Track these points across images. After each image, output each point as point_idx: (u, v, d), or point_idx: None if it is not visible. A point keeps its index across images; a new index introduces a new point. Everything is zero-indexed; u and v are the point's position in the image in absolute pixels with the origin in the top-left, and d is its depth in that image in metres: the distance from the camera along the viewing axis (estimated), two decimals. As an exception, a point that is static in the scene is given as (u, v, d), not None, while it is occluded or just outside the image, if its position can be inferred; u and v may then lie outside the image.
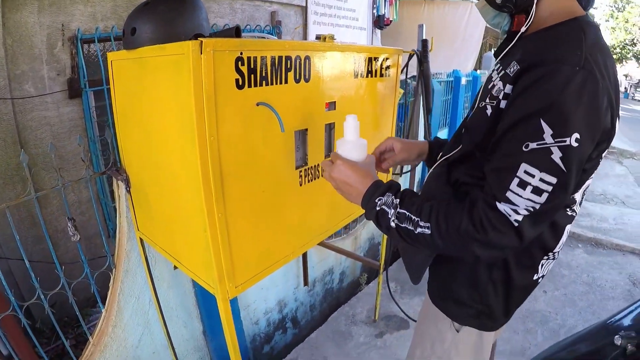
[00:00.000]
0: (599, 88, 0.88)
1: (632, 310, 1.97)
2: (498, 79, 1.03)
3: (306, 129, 1.61)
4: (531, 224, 0.90)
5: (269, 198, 1.52)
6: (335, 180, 1.16)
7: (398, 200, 1.05)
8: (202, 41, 1.15)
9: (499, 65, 1.09)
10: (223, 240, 1.36)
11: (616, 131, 1.00)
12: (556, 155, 0.86)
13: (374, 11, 4.82)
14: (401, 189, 1.11)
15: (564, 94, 0.85)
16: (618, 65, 37.47)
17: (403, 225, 1.03)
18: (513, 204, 0.89)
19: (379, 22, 5.03)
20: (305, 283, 3.18)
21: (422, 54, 2.19)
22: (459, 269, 1.22)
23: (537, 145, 0.87)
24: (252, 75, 1.32)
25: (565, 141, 0.85)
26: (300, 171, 1.64)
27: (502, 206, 0.90)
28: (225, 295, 1.44)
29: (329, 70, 1.66)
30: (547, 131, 0.86)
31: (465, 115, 1.28)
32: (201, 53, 1.16)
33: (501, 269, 1.16)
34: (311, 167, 1.69)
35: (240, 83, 1.29)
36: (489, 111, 1.03)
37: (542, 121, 0.86)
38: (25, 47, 2.92)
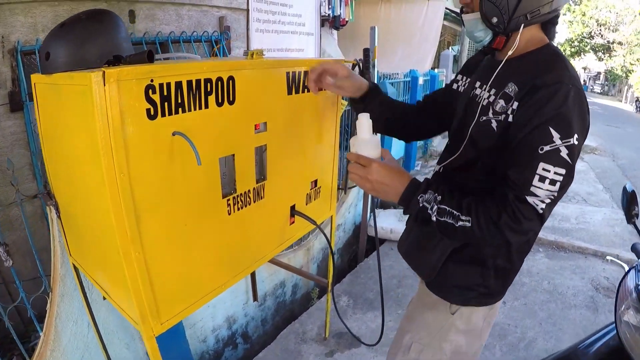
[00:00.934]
0: (582, 98, 1.12)
1: (597, 338, 1.91)
2: (493, 96, 1.24)
3: (233, 155, 1.53)
4: (548, 209, 1.11)
5: (193, 231, 1.45)
6: (372, 182, 1.25)
7: (440, 197, 1.20)
8: (104, 71, 1.08)
9: (482, 84, 1.31)
10: (143, 279, 1.29)
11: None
12: (564, 153, 1.08)
13: (329, 12, 4.75)
14: (436, 185, 1.25)
15: (565, 106, 1.08)
16: (577, 58, 38.37)
17: (443, 219, 1.18)
18: (537, 195, 1.09)
19: (335, 23, 4.96)
20: (255, 298, 3.10)
21: (364, 64, 2.15)
22: (468, 263, 1.38)
23: (550, 147, 1.08)
24: (166, 103, 1.25)
25: (569, 141, 1.08)
26: (229, 199, 1.56)
27: (530, 199, 1.10)
28: (150, 334, 1.37)
29: (258, 89, 1.59)
30: (556, 135, 1.08)
31: (455, 127, 1.44)
32: (104, 84, 1.08)
33: (504, 257, 1.36)
34: (241, 194, 1.61)
35: (152, 113, 1.21)
36: (494, 124, 1.22)
37: (550, 128, 1.08)
38: (-36, 62, 2.80)
